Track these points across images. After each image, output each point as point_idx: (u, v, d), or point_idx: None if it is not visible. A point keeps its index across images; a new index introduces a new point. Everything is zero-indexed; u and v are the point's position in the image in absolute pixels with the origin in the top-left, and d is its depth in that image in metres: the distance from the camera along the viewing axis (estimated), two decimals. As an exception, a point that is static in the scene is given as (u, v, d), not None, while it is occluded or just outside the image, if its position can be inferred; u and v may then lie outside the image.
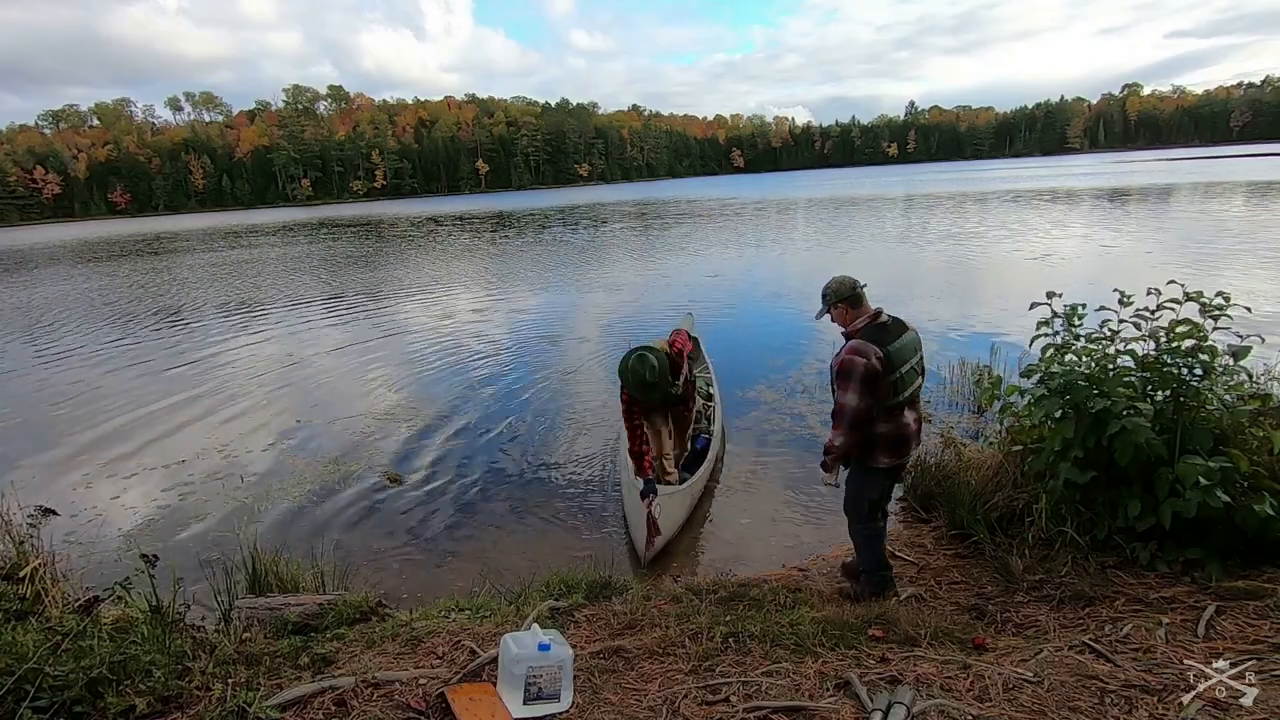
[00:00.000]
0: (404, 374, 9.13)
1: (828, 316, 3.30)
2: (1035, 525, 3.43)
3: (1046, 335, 3.52)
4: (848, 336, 3.20)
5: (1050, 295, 3.52)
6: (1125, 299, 3.33)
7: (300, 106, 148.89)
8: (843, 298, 3.19)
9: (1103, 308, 3.41)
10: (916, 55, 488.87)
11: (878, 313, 3.20)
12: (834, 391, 3.13)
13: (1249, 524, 2.80)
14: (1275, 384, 4.00)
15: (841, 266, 16.64)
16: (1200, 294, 3.20)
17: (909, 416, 3.21)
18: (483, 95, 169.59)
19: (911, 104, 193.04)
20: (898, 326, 3.19)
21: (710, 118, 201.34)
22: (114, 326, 13.53)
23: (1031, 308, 3.57)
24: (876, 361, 3.02)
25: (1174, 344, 3.18)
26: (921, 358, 3.28)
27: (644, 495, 3.92)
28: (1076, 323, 3.45)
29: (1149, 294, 3.30)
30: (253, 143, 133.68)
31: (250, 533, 4.75)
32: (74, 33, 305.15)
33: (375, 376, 9.06)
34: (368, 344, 10.99)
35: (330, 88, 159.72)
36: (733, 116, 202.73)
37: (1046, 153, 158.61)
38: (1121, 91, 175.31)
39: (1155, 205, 27.54)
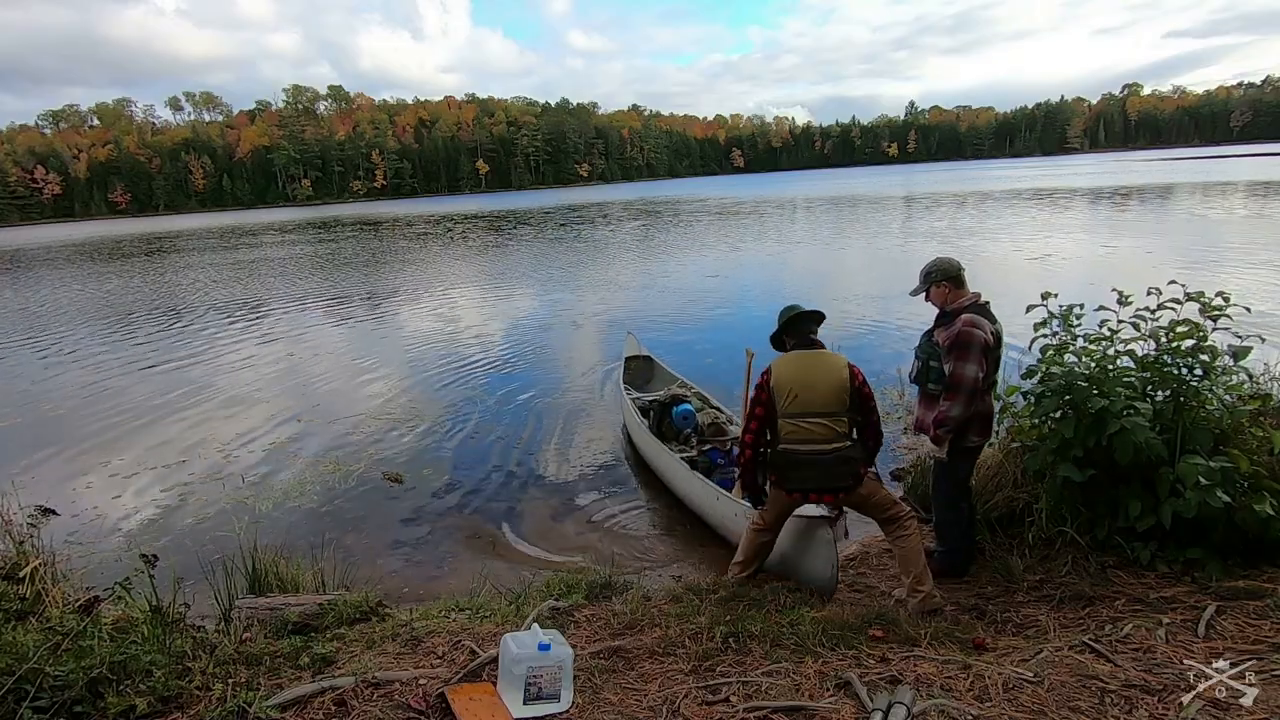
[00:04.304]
0: (405, 374, 9.13)
1: (923, 295, 3.32)
2: (1035, 525, 3.44)
3: (1045, 336, 3.52)
4: (949, 315, 3.19)
5: (1045, 296, 3.52)
6: (1124, 299, 3.33)
7: (300, 106, 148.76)
8: (949, 276, 3.22)
9: (1102, 307, 3.41)
10: (914, 55, 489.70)
11: (978, 295, 3.22)
12: (945, 365, 3.12)
13: (1249, 524, 2.80)
14: (1275, 384, 3.99)
15: (843, 266, 16.66)
16: (1201, 294, 3.20)
17: (990, 399, 3.27)
18: (482, 95, 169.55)
19: (911, 104, 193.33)
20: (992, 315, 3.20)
21: (710, 118, 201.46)
22: (115, 327, 13.53)
23: (1028, 310, 3.57)
24: (990, 335, 3.06)
25: (1174, 344, 3.18)
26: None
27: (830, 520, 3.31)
28: (1074, 323, 3.45)
29: (1149, 294, 3.30)
30: (253, 143, 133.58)
31: (250, 533, 4.74)
32: (73, 33, 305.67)
33: (376, 376, 9.06)
34: (369, 344, 11.00)
35: (330, 88, 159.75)
36: (733, 116, 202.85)
37: (1047, 153, 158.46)
38: (1121, 91, 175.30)
39: (1156, 205, 27.53)
